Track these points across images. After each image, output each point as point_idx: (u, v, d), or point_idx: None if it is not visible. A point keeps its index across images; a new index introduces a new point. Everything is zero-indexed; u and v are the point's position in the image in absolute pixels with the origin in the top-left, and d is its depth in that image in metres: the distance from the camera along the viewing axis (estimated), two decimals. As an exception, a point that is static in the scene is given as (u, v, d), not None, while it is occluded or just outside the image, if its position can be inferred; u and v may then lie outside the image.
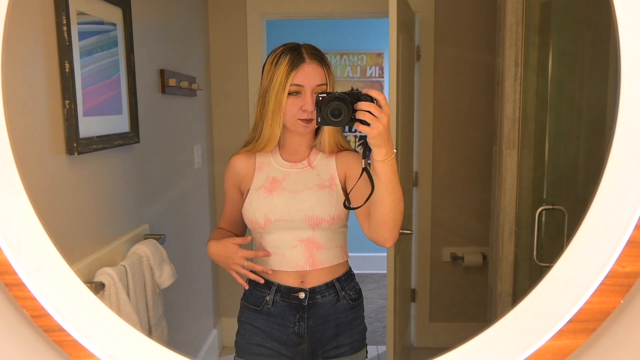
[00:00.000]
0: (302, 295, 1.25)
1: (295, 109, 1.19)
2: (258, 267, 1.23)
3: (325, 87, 1.20)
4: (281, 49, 1.21)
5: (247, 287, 1.29)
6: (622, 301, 0.71)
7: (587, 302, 0.70)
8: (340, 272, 1.29)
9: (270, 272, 1.26)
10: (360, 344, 1.33)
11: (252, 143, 1.26)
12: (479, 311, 2.27)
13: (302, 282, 1.26)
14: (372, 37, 3.53)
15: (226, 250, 1.22)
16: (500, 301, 1.92)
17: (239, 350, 1.31)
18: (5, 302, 0.78)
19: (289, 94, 1.18)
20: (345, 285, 1.30)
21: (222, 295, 2.55)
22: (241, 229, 1.34)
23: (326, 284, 1.27)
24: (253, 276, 1.24)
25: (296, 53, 1.19)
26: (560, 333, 0.72)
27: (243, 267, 1.21)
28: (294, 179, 1.25)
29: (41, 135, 1.12)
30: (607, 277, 0.70)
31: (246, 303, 1.31)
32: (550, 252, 1.59)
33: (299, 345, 1.28)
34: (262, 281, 1.26)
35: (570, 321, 0.71)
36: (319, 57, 1.21)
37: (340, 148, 1.28)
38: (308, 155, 1.28)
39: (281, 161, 1.27)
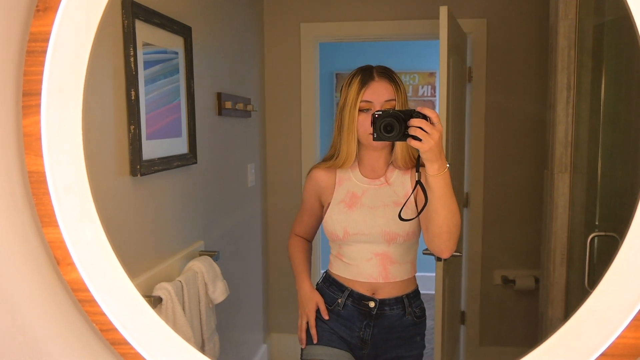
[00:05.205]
0: (372, 304, 1.33)
1: (366, 125, 1.25)
2: (313, 331, 1.36)
3: (394, 102, 1.26)
4: (355, 71, 1.30)
5: (303, 342, 1.40)
6: (658, 337, 0.71)
7: (620, 337, 0.70)
8: (409, 289, 1.36)
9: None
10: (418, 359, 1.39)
11: (332, 160, 1.34)
12: (530, 336, 2.22)
13: (373, 293, 1.33)
14: (424, 57, 3.54)
15: (308, 302, 1.37)
16: (551, 327, 1.88)
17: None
18: (78, 317, 0.86)
19: (360, 110, 1.26)
20: (412, 302, 1.36)
21: (272, 311, 2.60)
22: (314, 233, 1.47)
23: (396, 298, 1.34)
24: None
25: (367, 72, 1.28)
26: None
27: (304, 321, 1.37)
28: (372, 195, 1.32)
29: (108, 158, 1.20)
30: (642, 312, 0.70)
31: None
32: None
33: (361, 349, 1.35)
34: (327, 317, 1.36)
35: (602, 355, 0.71)
36: (388, 75, 1.28)
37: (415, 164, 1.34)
38: (385, 172, 1.34)
39: (360, 177, 1.34)
